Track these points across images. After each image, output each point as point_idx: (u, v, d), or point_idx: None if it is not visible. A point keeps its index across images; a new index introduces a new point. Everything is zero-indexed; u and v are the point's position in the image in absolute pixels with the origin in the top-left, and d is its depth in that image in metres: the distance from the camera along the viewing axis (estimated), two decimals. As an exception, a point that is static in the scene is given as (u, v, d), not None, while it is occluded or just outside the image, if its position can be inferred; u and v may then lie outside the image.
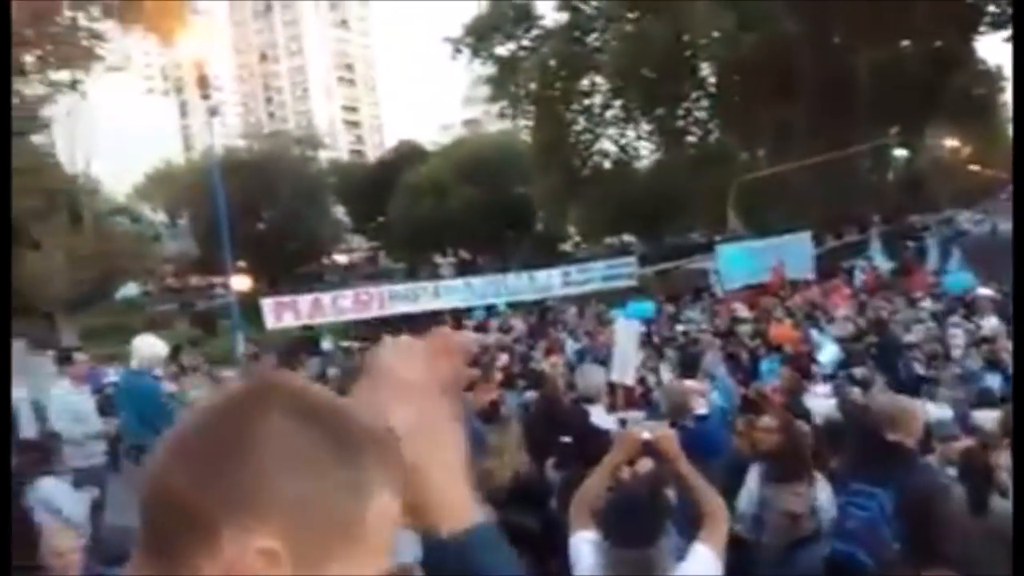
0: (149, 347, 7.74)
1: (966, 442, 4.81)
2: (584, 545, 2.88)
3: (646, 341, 11.92)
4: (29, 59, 27.00)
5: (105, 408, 8.36)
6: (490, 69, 36.01)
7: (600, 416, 5.70)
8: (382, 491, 0.69)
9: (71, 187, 29.89)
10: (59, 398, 7.21)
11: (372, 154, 73.57)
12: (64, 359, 7.55)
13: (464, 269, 39.90)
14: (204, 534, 0.63)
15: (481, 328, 18.78)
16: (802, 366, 8.85)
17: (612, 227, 40.20)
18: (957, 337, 9.82)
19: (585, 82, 34.99)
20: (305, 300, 20.36)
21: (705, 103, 33.98)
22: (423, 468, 0.82)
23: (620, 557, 2.72)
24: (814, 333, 11.63)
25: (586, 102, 35.45)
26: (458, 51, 35.31)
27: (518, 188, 41.57)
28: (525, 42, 35.60)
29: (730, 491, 4.34)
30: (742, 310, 15.06)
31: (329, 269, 49.54)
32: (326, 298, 20.71)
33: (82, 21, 28.06)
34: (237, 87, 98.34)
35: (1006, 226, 18.21)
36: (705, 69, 33.18)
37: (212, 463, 0.65)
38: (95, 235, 28.97)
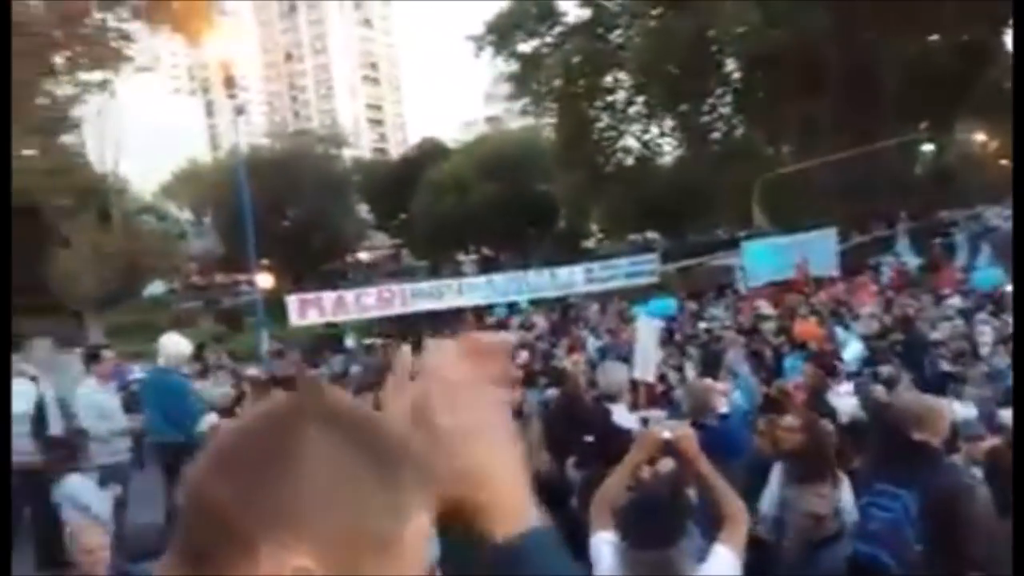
0: (175, 345, 7.83)
1: (992, 441, 4.73)
2: (604, 546, 2.87)
3: (667, 339, 11.87)
4: (59, 60, 27.41)
5: (130, 405, 8.48)
6: (513, 66, 35.95)
7: (622, 415, 5.67)
8: (420, 511, 0.69)
9: (101, 186, 30.29)
10: (86, 396, 7.30)
11: (395, 152, 73.80)
12: (92, 357, 7.64)
13: (486, 266, 39.91)
14: (242, 548, 0.64)
15: (503, 325, 18.81)
16: (826, 364, 8.75)
17: (636, 224, 40.02)
18: (985, 334, 9.68)
19: (608, 78, 34.81)
20: (329, 297, 20.42)
21: (729, 99, 33.71)
22: (479, 471, 0.81)
23: (639, 558, 2.71)
24: (839, 331, 11.52)
25: (609, 99, 35.27)
26: (481, 49, 35.30)
27: (540, 185, 41.52)
28: (548, 39, 35.50)
29: (752, 491, 4.30)
30: (766, 307, 14.94)
31: (352, 266, 49.78)
32: (349, 295, 20.77)
33: (111, 22, 28.45)
34: (263, 86, 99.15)
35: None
36: (730, 65, 32.92)
37: (253, 479, 0.65)
38: (123, 233, 29.34)
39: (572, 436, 5.50)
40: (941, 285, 15.94)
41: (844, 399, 7.24)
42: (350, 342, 21.56)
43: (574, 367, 9.31)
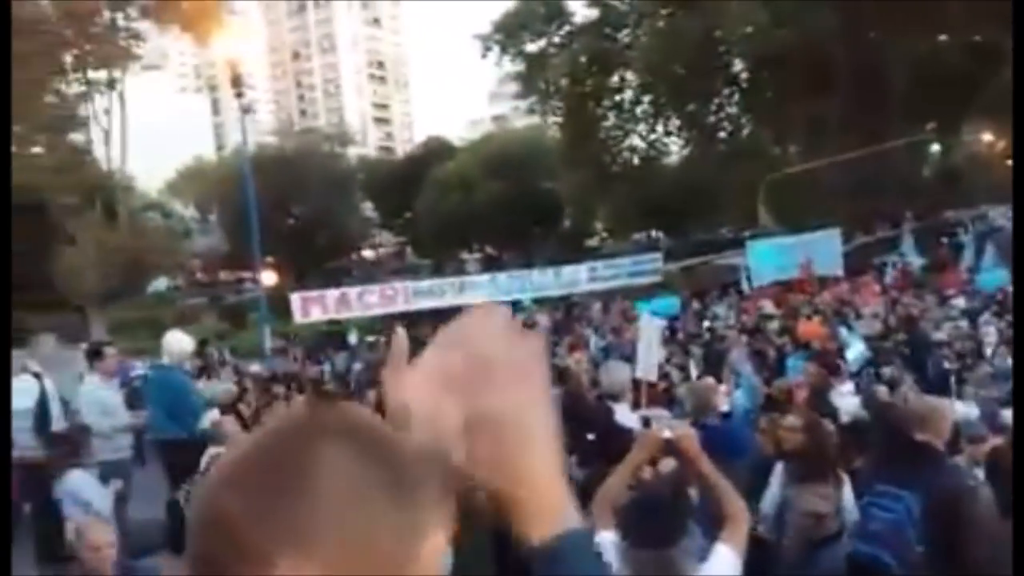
0: (178, 343, 7.84)
1: (994, 442, 4.71)
2: (605, 545, 2.86)
3: (671, 338, 11.86)
4: (69, 58, 27.52)
5: (132, 401, 8.49)
6: (519, 66, 35.98)
7: (624, 414, 5.66)
8: (436, 530, 0.67)
9: (107, 183, 30.38)
10: (88, 392, 7.31)
11: (401, 150, 73.78)
12: (94, 353, 7.64)
13: (490, 265, 39.92)
14: (255, 564, 0.62)
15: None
16: (829, 363, 8.72)
17: (641, 223, 40.00)
18: (990, 335, 9.66)
19: (615, 78, 34.80)
20: (332, 295, 20.49)
21: (736, 99, 33.67)
22: (519, 463, 0.73)
23: (640, 557, 2.70)
24: (842, 330, 11.49)
25: (616, 98, 35.27)
26: (488, 48, 35.32)
27: (545, 184, 41.50)
28: (555, 39, 35.51)
29: (754, 490, 4.29)
30: (769, 307, 14.93)
31: (356, 264, 49.83)
32: (352, 293, 20.83)
33: (121, 21, 28.56)
34: (270, 84, 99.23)
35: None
36: (737, 65, 32.86)
37: (268, 495, 0.63)
38: (129, 230, 29.43)
39: (574, 435, 5.49)
40: (945, 286, 15.91)
41: (846, 399, 7.22)
42: (353, 339, 21.61)
43: (577, 366, 9.30)
